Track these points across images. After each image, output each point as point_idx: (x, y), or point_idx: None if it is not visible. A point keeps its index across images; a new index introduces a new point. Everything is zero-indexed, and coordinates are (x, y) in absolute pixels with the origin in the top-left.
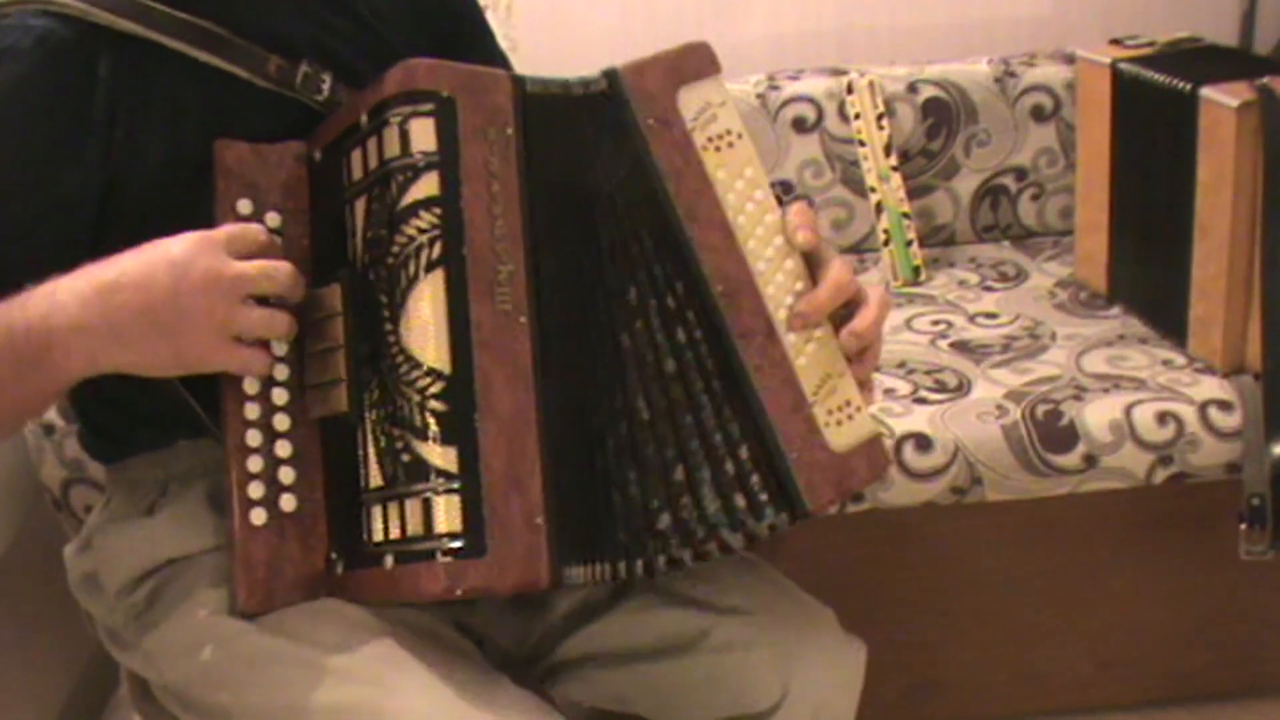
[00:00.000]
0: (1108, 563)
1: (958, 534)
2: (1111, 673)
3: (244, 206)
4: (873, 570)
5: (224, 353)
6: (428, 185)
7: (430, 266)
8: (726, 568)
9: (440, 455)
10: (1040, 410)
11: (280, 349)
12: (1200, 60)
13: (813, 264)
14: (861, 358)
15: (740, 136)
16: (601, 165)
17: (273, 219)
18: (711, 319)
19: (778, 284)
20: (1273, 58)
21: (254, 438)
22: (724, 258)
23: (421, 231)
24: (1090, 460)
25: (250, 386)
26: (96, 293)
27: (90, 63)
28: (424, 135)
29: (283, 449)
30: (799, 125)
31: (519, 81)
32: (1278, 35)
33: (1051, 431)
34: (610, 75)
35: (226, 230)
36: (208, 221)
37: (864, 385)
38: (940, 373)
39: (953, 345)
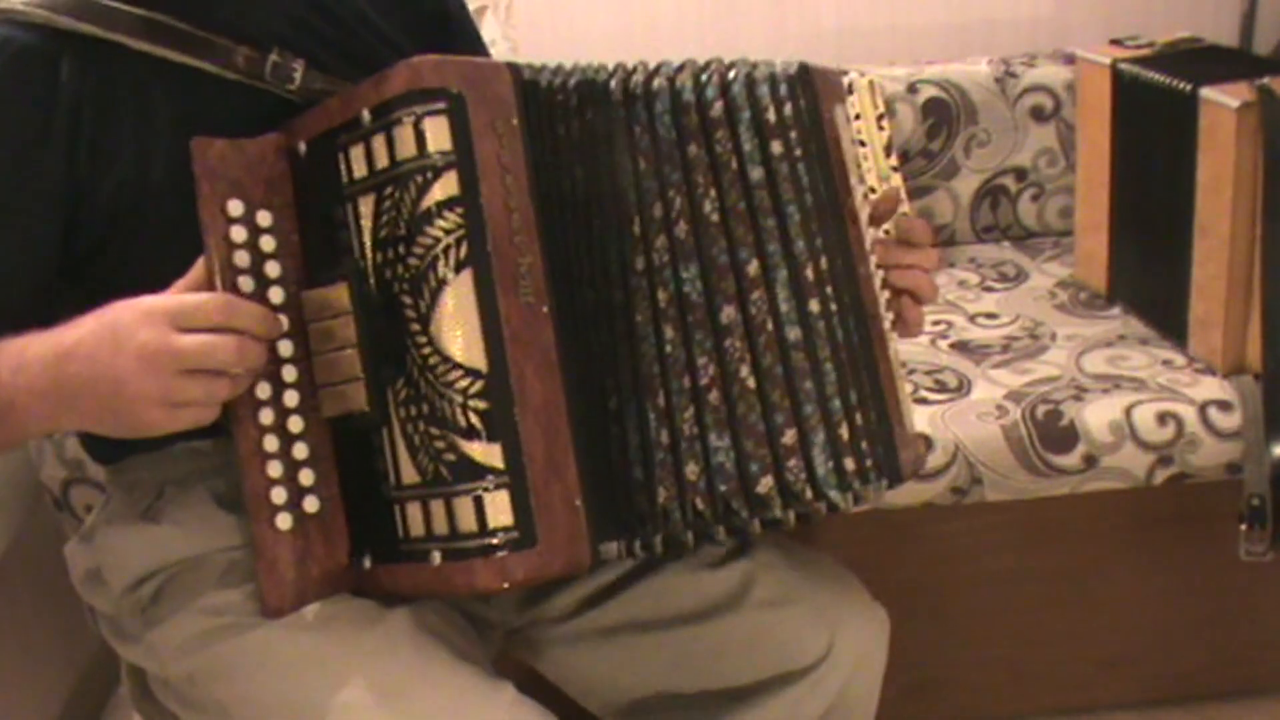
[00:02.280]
0: (1108, 563)
1: (958, 534)
2: (1111, 673)
3: (235, 208)
4: (873, 570)
5: (167, 419)
6: (448, 185)
7: (459, 267)
8: (759, 534)
9: (486, 453)
10: (1040, 410)
11: (286, 349)
12: (1200, 60)
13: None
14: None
15: (864, 152)
16: (712, 146)
17: (264, 217)
18: (854, 292)
19: (878, 281)
20: (1273, 58)
21: (270, 442)
22: (859, 245)
23: (447, 232)
24: (1090, 460)
25: (262, 391)
26: (55, 359)
27: (52, 67)
28: (439, 134)
29: (300, 451)
30: None
31: (516, 69)
32: (1278, 35)
33: (1051, 431)
34: (805, 67)
35: (177, 302)
36: (183, 223)
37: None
38: (940, 373)
39: (953, 345)
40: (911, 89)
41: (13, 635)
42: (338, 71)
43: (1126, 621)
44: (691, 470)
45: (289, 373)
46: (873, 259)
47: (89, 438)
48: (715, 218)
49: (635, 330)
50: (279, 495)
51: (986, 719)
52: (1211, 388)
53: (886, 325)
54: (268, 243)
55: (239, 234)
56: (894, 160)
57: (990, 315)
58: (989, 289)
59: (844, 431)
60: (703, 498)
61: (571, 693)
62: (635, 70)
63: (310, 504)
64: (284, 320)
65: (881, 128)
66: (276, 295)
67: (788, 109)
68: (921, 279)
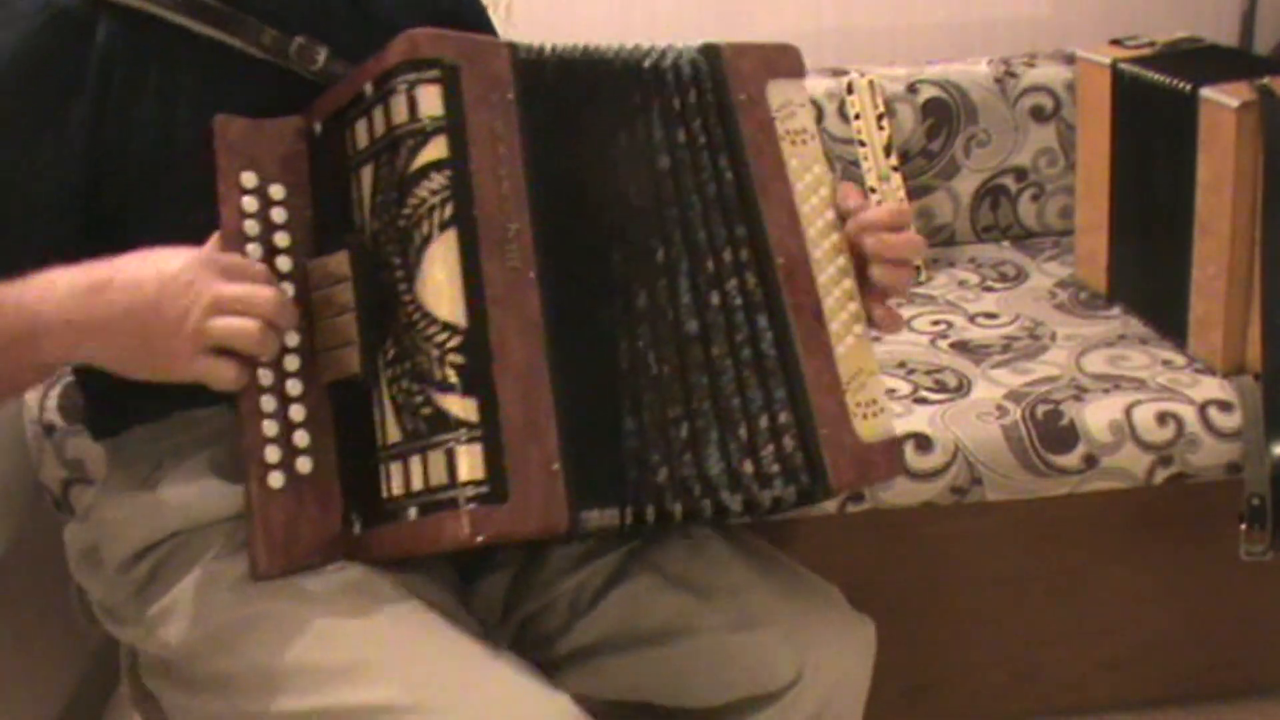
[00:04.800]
0: (1108, 563)
1: (958, 534)
2: (1111, 673)
3: (249, 179)
4: (873, 570)
5: (194, 361)
6: (437, 148)
7: (443, 226)
8: (732, 549)
9: (461, 406)
10: (1040, 410)
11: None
12: (1200, 60)
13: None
14: (889, 270)
15: (813, 138)
16: (636, 131)
17: (276, 190)
18: (766, 288)
19: (828, 275)
20: (1273, 58)
21: (268, 403)
22: (787, 236)
23: (433, 193)
24: (1090, 460)
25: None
26: (88, 288)
27: (88, 30)
28: (431, 101)
29: (296, 413)
30: None
31: (517, 49)
32: (1278, 35)
33: (1051, 431)
34: (710, 48)
35: (227, 258)
36: (201, 192)
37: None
38: (940, 373)
39: (953, 345)
40: (911, 89)
41: (13, 635)
42: (356, 53)
43: (1126, 621)
44: (617, 451)
45: (291, 338)
46: (822, 246)
47: (92, 410)
48: (636, 203)
49: (581, 310)
50: (273, 454)
51: (986, 719)
52: (1211, 388)
53: (839, 321)
54: (278, 214)
55: (250, 204)
56: (894, 160)
57: (990, 315)
58: (989, 289)
59: (743, 432)
60: (619, 479)
61: None
62: (598, 53)
63: (303, 465)
64: (290, 290)
65: (881, 128)
66: (284, 263)
67: (692, 95)
68: (892, 276)
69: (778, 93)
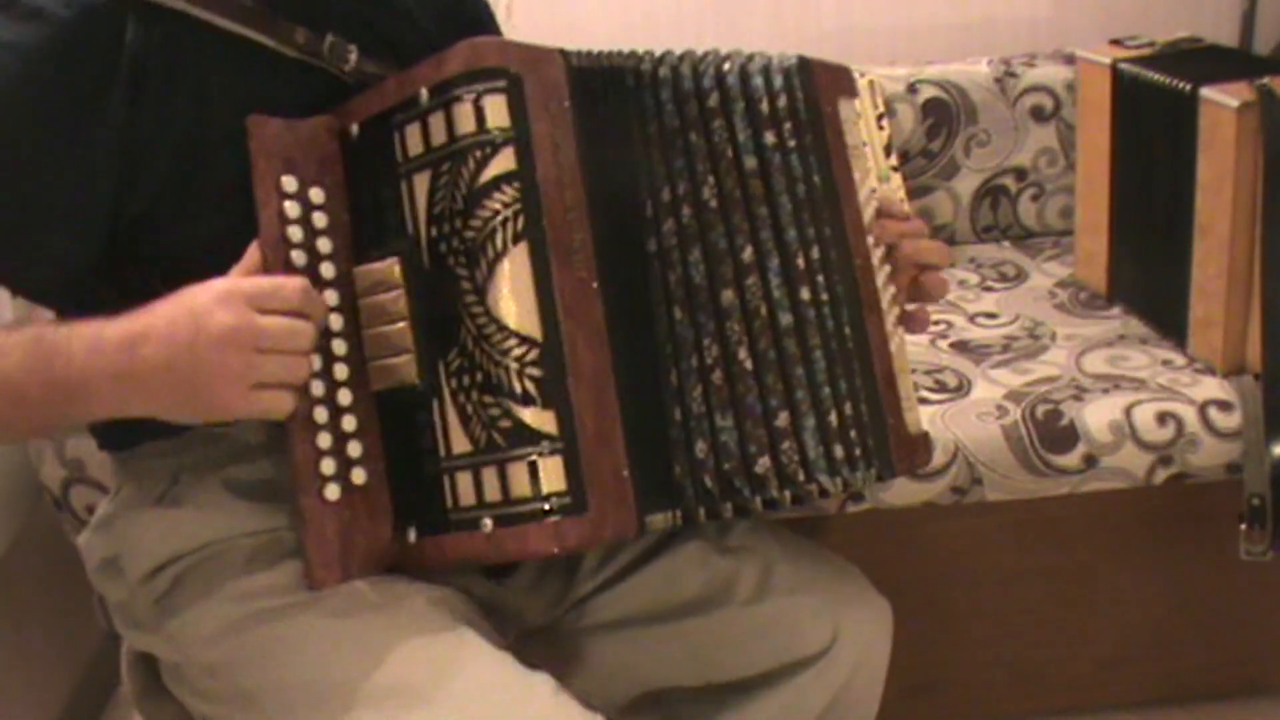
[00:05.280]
0: (1108, 563)
1: (958, 534)
2: (1111, 673)
3: (289, 184)
4: (873, 570)
5: (244, 401)
6: (506, 160)
7: (515, 239)
8: (765, 527)
9: (541, 419)
10: (1040, 410)
11: (336, 323)
12: (1200, 60)
13: None
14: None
15: (867, 155)
16: (713, 133)
17: (317, 194)
18: (849, 284)
19: (881, 278)
20: (1273, 58)
21: (320, 414)
22: (858, 238)
23: (505, 205)
24: (1090, 460)
25: (313, 362)
26: (130, 341)
27: (118, 28)
28: (498, 111)
29: (348, 423)
30: None
31: (566, 55)
32: (1278, 35)
33: (1051, 431)
34: (804, 60)
35: (253, 284)
36: (232, 190)
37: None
38: (940, 373)
39: (953, 345)
40: (911, 89)
41: (13, 635)
42: (381, 55)
43: (1126, 621)
44: (700, 448)
45: (339, 346)
46: (877, 252)
47: (102, 423)
48: (714, 204)
49: (650, 310)
50: (328, 466)
51: (986, 719)
52: (1211, 388)
53: (890, 322)
54: (320, 219)
55: (292, 209)
56: (894, 160)
57: (990, 315)
58: (989, 289)
59: (833, 419)
60: (710, 475)
61: (573, 690)
62: (644, 58)
63: (358, 476)
64: (335, 297)
65: (881, 128)
66: (328, 270)
67: (782, 101)
68: (935, 279)
69: (844, 108)
